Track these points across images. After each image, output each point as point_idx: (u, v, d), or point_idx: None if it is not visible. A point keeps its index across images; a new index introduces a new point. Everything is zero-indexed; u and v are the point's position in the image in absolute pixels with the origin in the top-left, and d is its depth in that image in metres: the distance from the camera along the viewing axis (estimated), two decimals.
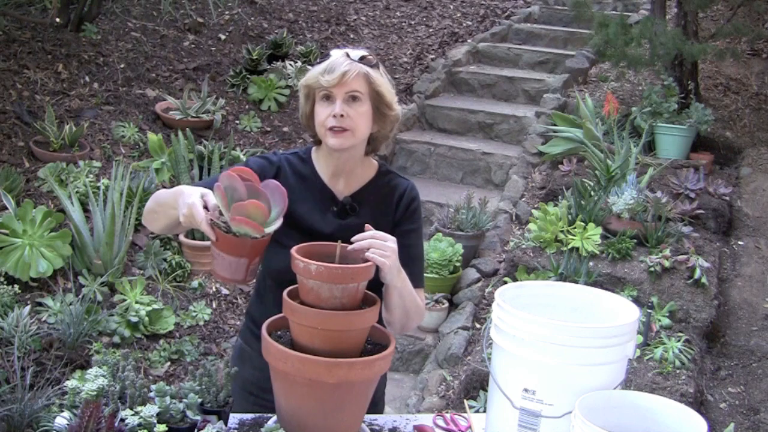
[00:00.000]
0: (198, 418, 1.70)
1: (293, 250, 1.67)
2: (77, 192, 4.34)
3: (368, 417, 1.92)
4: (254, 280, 2.05)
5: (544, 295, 1.92)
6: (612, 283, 4.07)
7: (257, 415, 1.90)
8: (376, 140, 2.03)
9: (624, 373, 1.74)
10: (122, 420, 1.62)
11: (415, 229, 2.05)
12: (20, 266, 3.88)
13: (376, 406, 2.06)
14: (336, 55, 1.93)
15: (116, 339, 3.84)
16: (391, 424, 1.95)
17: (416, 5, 8.24)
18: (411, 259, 1.99)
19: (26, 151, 4.72)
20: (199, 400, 1.75)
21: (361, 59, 1.92)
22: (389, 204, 2.03)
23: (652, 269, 4.07)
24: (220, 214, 1.72)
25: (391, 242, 1.78)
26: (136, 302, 4.02)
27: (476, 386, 3.74)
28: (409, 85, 6.78)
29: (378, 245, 1.75)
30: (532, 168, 5.76)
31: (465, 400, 2.98)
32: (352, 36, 7.37)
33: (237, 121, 5.78)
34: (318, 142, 2.05)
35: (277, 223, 1.73)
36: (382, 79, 1.95)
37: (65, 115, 5.07)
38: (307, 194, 2.01)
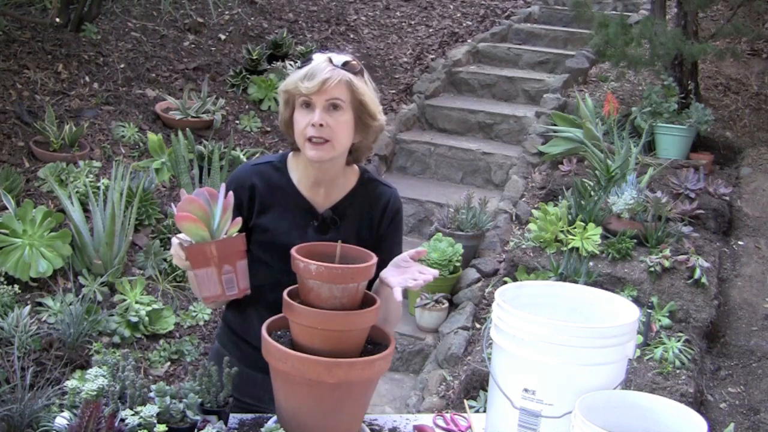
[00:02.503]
0: (198, 418, 1.70)
1: (293, 250, 1.67)
2: (77, 192, 4.34)
3: (368, 417, 1.92)
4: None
5: (544, 295, 1.92)
6: (612, 283, 4.07)
7: (257, 415, 1.90)
8: (358, 151, 1.94)
9: (624, 373, 1.74)
10: (122, 420, 1.62)
11: (396, 237, 2.01)
12: (20, 266, 3.88)
13: None
14: (318, 60, 1.83)
15: (116, 339, 3.84)
16: (391, 424, 1.95)
17: (416, 5, 8.24)
18: None
19: (26, 151, 4.72)
20: (199, 400, 1.75)
21: (345, 65, 1.83)
22: (372, 214, 1.97)
23: (652, 269, 4.07)
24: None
25: (429, 274, 1.75)
26: (136, 302, 4.02)
27: (476, 386, 3.75)
28: (409, 85, 6.78)
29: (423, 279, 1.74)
30: (532, 168, 5.75)
31: (465, 400, 2.98)
32: (352, 36, 7.37)
33: (237, 121, 5.78)
34: (296, 148, 1.95)
35: (230, 224, 1.68)
36: (365, 88, 1.86)
37: (65, 115, 5.07)
38: (285, 209, 1.92)
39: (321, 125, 1.80)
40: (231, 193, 1.70)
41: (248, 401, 1.99)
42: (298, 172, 1.95)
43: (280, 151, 5.60)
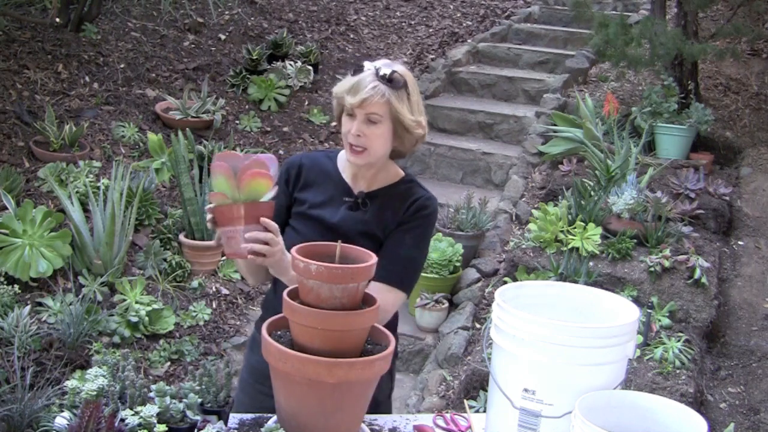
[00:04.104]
0: (198, 418, 1.70)
1: (293, 250, 1.67)
2: (77, 192, 4.34)
3: (368, 417, 1.92)
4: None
5: (544, 295, 1.92)
6: (612, 283, 4.07)
7: (257, 415, 1.90)
8: (398, 152, 2.11)
9: (624, 373, 1.74)
10: (122, 420, 1.62)
11: (412, 232, 2.05)
12: (20, 266, 3.87)
13: (379, 407, 2.08)
14: (366, 71, 1.98)
15: (116, 339, 3.84)
16: (391, 424, 1.95)
17: (416, 5, 8.24)
18: (395, 257, 2.00)
19: (26, 151, 4.72)
20: (199, 400, 1.75)
21: (388, 79, 1.95)
22: (400, 207, 2.07)
23: (652, 269, 4.07)
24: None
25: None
26: (136, 302, 4.02)
27: (476, 386, 3.75)
28: None
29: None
30: (532, 168, 5.75)
31: (465, 400, 2.98)
32: (352, 36, 7.37)
33: (237, 121, 5.78)
34: None
35: (272, 191, 1.81)
36: (402, 105, 1.98)
37: (65, 115, 5.07)
38: (326, 186, 2.11)
39: (358, 135, 1.98)
40: (276, 165, 1.86)
41: (272, 387, 1.96)
42: (343, 163, 2.14)
43: (280, 151, 5.61)
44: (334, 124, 5.86)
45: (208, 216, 1.84)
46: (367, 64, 2.00)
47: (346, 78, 2.03)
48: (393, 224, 2.05)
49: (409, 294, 2.09)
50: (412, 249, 2.05)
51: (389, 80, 1.96)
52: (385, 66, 1.98)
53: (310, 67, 6.37)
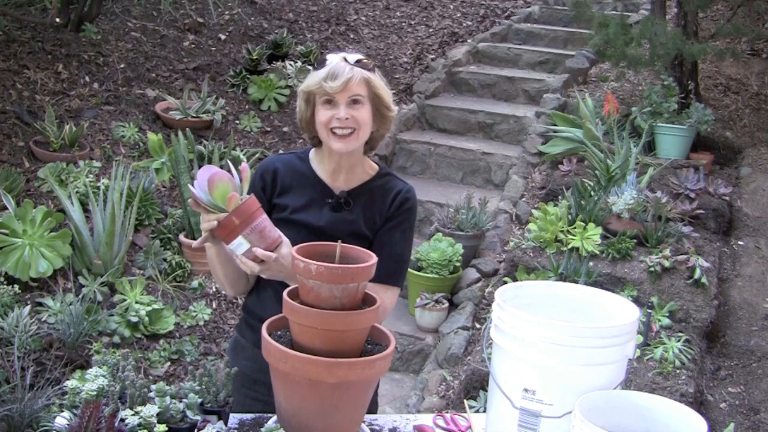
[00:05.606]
0: (198, 418, 1.70)
1: (293, 250, 1.67)
2: (77, 192, 4.34)
3: (368, 417, 1.92)
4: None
5: (544, 295, 1.92)
6: (612, 283, 4.07)
7: (257, 414, 1.90)
8: (373, 140, 2.09)
9: (624, 373, 1.74)
10: (122, 420, 1.62)
11: (400, 228, 2.08)
12: (20, 266, 3.87)
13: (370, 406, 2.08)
14: (335, 60, 1.98)
15: (116, 339, 3.84)
16: (391, 424, 1.95)
17: (416, 5, 8.24)
18: (388, 256, 2.01)
19: (26, 151, 4.72)
20: (199, 400, 1.75)
21: (359, 63, 1.99)
22: (384, 202, 2.08)
23: (652, 269, 4.07)
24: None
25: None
26: (136, 302, 4.02)
27: (476, 386, 3.75)
28: (409, 85, 6.77)
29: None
30: (532, 168, 5.75)
31: (465, 400, 2.98)
32: (352, 36, 7.37)
33: (237, 121, 5.78)
34: (316, 144, 2.10)
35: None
36: (380, 82, 2.02)
37: (65, 115, 5.07)
38: (305, 189, 2.07)
39: (347, 119, 1.95)
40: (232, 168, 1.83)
41: (261, 390, 1.97)
42: (317, 162, 2.11)
43: (280, 151, 5.61)
44: None
45: (210, 225, 1.78)
46: (330, 57, 2.01)
47: (312, 73, 2.00)
48: (380, 221, 2.07)
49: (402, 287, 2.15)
50: (401, 245, 2.09)
51: (359, 64, 1.98)
52: (349, 55, 2.00)
53: (310, 67, 6.36)
